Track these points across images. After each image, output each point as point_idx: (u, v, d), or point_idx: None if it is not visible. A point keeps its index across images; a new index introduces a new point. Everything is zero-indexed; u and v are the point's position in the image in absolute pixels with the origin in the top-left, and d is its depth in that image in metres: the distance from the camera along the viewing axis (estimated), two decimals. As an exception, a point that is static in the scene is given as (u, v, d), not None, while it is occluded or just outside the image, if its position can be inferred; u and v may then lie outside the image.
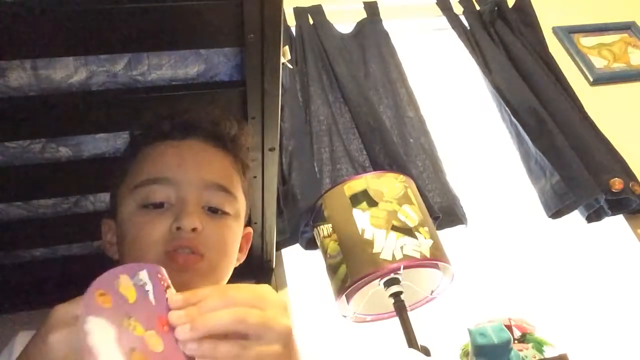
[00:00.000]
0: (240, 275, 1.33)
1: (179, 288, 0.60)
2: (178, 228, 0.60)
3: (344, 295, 1.10)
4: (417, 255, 1.07)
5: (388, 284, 1.08)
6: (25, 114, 0.75)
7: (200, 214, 0.62)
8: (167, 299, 0.45)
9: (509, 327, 1.20)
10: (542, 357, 1.17)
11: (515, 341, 1.20)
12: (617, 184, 1.52)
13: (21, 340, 0.63)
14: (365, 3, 1.98)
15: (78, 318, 0.41)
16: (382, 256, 1.07)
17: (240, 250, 0.73)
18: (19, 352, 0.61)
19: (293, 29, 1.85)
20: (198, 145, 0.67)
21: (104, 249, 0.70)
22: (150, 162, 0.66)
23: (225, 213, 0.65)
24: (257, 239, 1.12)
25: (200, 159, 0.66)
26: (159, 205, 0.62)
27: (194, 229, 0.60)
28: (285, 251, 1.44)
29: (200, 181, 0.64)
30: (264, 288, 0.48)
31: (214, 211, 0.64)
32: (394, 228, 1.11)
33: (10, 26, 0.62)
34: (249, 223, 1.04)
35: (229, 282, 0.68)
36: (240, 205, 0.69)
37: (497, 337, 1.12)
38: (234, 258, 0.68)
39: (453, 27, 1.95)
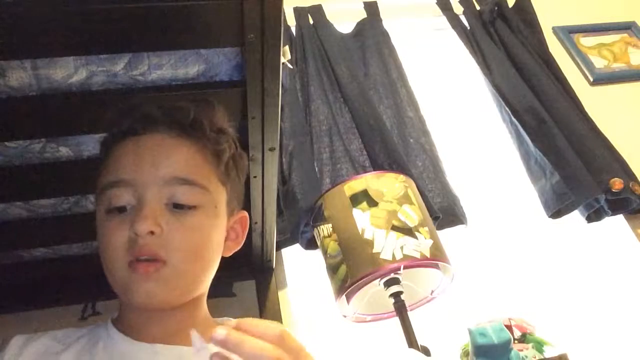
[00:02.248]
0: (241, 275, 1.34)
1: (148, 298, 0.58)
2: (135, 233, 0.58)
3: (344, 295, 1.10)
4: (417, 255, 1.07)
5: (388, 284, 1.08)
6: (25, 114, 0.75)
7: (162, 214, 0.59)
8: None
9: (509, 327, 1.20)
10: (542, 357, 1.17)
11: (515, 341, 1.20)
12: (617, 184, 1.52)
13: (16, 342, 0.63)
14: (365, 3, 1.98)
15: None
16: (382, 256, 1.07)
17: (236, 237, 0.70)
18: (10, 354, 0.61)
19: (293, 29, 1.85)
20: (157, 138, 0.63)
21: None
22: (111, 163, 0.64)
23: (192, 207, 0.61)
24: (257, 239, 1.12)
25: (157, 154, 0.62)
26: (123, 209, 0.60)
27: (152, 233, 0.57)
28: (285, 251, 1.44)
29: (158, 178, 0.60)
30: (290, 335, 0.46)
31: (180, 207, 0.60)
32: (394, 228, 1.11)
33: (10, 26, 0.62)
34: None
35: (221, 283, 0.66)
36: (214, 195, 0.64)
37: (497, 337, 1.12)
38: (212, 257, 0.64)
39: (453, 27, 1.95)
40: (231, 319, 0.71)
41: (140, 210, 0.58)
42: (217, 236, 0.65)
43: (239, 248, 0.71)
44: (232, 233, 0.69)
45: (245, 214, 0.72)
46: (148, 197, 0.59)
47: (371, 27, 1.90)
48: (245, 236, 0.72)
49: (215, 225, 0.64)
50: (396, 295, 1.07)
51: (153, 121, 0.64)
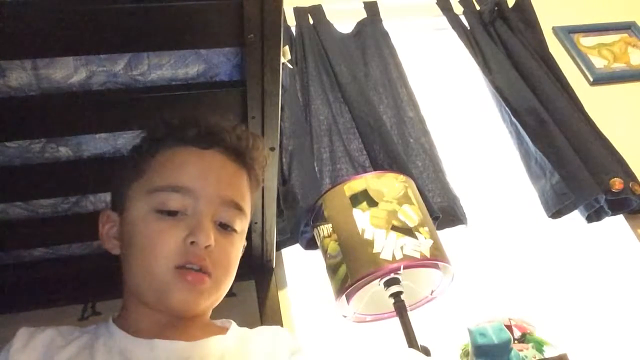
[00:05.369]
0: (241, 275, 1.33)
1: (183, 306, 0.61)
2: (192, 242, 0.60)
3: (344, 295, 1.10)
4: (417, 255, 1.07)
5: (388, 284, 1.08)
6: (25, 114, 0.75)
7: (214, 230, 0.63)
8: None
9: (509, 327, 1.20)
10: (542, 357, 1.17)
11: (515, 341, 1.20)
12: (617, 184, 1.52)
13: (22, 334, 0.63)
14: (365, 3, 1.98)
15: None
16: (382, 256, 1.07)
17: None
18: (17, 346, 0.61)
19: (293, 29, 1.85)
20: (220, 157, 0.67)
21: (101, 240, 0.69)
22: (171, 167, 0.65)
23: (233, 230, 0.66)
24: (257, 239, 1.12)
25: (221, 174, 0.66)
26: (173, 213, 0.62)
27: (207, 246, 0.61)
28: (285, 251, 1.44)
29: (218, 197, 0.64)
30: None
31: (224, 227, 0.65)
32: (394, 228, 1.11)
33: (10, 26, 0.62)
34: (248, 224, 1.04)
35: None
36: (247, 221, 0.70)
37: (497, 337, 1.12)
38: (234, 274, 0.68)
39: (453, 27, 1.95)
40: (231, 320, 0.71)
41: (200, 222, 0.62)
42: (239, 258, 0.70)
43: None
44: None
45: (245, 242, 0.76)
46: (206, 211, 0.63)
47: (371, 27, 1.90)
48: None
49: (242, 248, 0.70)
50: (396, 295, 1.07)
51: (220, 141, 0.68)
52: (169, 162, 0.66)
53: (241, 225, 0.67)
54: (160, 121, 0.70)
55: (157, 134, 0.70)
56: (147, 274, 0.61)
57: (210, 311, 0.71)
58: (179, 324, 0.64)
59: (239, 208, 0.66)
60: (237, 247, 0.67)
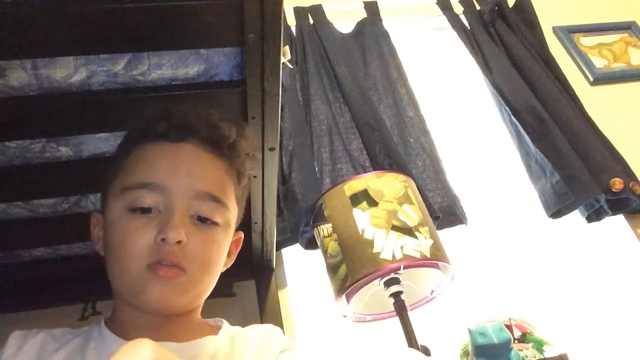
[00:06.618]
0: (241, 275, 1.34)
1: (159, 302, 0.60)
2: (163, 239, 0.59)
3: (344, 295, 1.10)
4: (417, 255, 1.07)
5: (388, 284, 1.08)
6: (25, 114, 0.75)
7: (187, 225, 0.61)
8: None
9: (509, 327, 1.20)
10: (542, 357, 1.17)
11: (515, 341, 1.20)
12: (617, 184, 1.52)
13: (15, 338, 0.63)
14: (365, 3, 1.98)
15: None
16: (382, 256, 1.07)
17: (229, 255, 0.71)
18: (10, 351, 0.61)
19: (293, 29, 1.85)
20: (193, 150, 0.65)
21: (92, 242, 0.69)
22: (142, 164, 0.64)
23: (214, 223, 0.64)
24: (257, 239, 1.12)
25: (193, 166, 0.64)
26: (147, 210, 0.61)
27: (178, 242, 0.59)
28: (285, 251, 1.44)
29: (191, 190, 0.62)
30: None
31: (203, 220, 0.63)
32: (394, 228, 1.11)
33: (10, 26, 0.62)
34: (248, 224, 1.04)
35: (221, 283, 0.68)
36: (231, 214, 0.67)
37: (497, 337, 1.12)
38: (218, 270, 0.66)
39: (453, 27, 1.95)
40: (223, 320, 0.71)
41: (171, 218, 0.60)
42: (225, 252, 0.67)
43: (230, 265, 0.72)
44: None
45: (242, 235, 0.75)
46: (178, 207, 0.61)
47: (371, 27, 1.90)
48: (236, 255, 0.74)
49: (227, 242, 0.67)
50: (396, 295, 1.07)
51: (193, 133, 0.66)
52: (140, 159, 0.64)
53: (223, 218, 0.64)
54: (135, 119, 0.68)
55: (131, 132, 0.70)
56: (123, 273, 0.60)
57: (200, 310, 0.70)
58: (169, 325, 0.64)
59: (216, 200, 0.64)
60: (219, 242, 0.65)
